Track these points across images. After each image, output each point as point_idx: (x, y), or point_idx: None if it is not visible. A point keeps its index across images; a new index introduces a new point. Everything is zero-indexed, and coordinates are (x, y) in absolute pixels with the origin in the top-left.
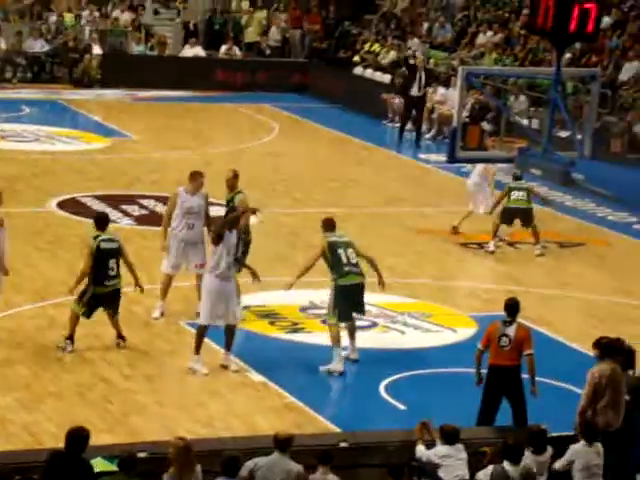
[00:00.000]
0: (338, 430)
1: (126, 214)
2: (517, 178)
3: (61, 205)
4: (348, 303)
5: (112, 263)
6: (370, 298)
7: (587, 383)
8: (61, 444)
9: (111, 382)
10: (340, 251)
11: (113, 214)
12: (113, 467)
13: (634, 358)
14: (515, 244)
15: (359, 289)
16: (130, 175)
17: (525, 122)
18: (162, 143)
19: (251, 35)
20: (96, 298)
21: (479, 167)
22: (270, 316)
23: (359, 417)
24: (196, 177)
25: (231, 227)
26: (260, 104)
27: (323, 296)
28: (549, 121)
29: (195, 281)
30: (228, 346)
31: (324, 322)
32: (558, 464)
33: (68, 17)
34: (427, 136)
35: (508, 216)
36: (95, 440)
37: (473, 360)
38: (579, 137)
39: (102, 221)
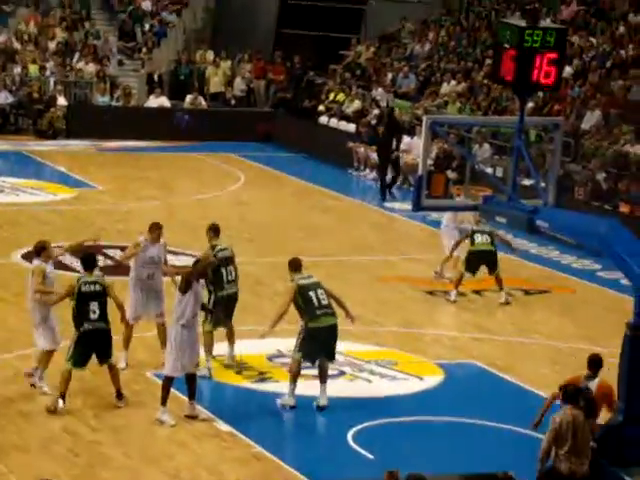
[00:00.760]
0: None
1: None
2: (479, 222)
3: (27, 257)
4: (317, 345)
5: (94, 305)
6: (337, 346)
7: (549, 429)
8: None
9: (77, 434)
10: (311, 293)
11: (78, 265)
12: None
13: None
14: (481, 291)
15: (332, 331)
16: (96, 225)
17: (489, 170)
18: (128, 193)
19: (216, 85)
20: (81, 341)
21: (448, 213)
22: (236, 365)
23: (327, 466)
24: (154, 229)
25: (199, 276)
26: (226, 153)
27: (291, 344)
28: (513, 169)
29: (156, 330)
30: (192, 395)
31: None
32: None
33: (32, 68)
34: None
35: (474, 261)
36: None
37: (449, 408)
38: (543, 185)
39: (88, 262)
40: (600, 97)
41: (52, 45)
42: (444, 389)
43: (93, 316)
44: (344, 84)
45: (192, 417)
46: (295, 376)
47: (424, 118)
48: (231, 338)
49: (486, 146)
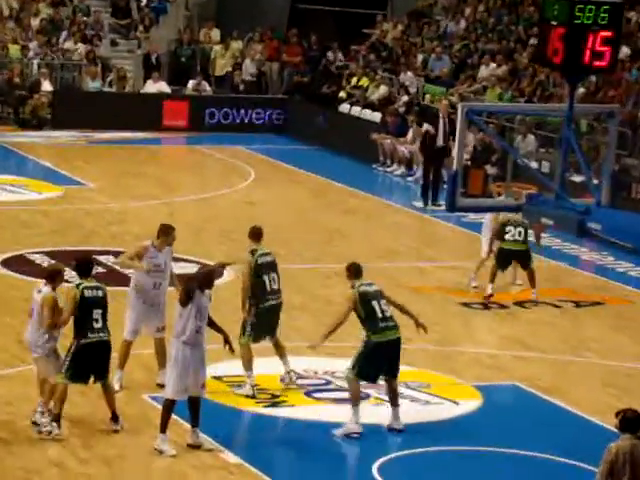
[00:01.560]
0: None
1: None
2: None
3: (7, 263)
4: (378, 361)
5: (97, 314)
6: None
7: (603, 460)
8: None
9: (64, 466)
10: (374, 303)
11: (66, 273)
12: None
13: None
14: (524, 303)
15: (396, 346)
16: (86, 228)
17: (534, 165)
18: (122, 191)
19: (222, 68)
20: (82, 353)
21: (488, 215)
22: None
23: None
24: (166, 231)
25: (203, 286)
26: (233, 146)
27: (307, 364)
28: (561, 163)
29: (154, 347)
30: (195, 421)
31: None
32: None
33: (13, 49)
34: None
35: (504, 258)
36: None
37: (488, 436)
38: (595, 182)
39: (84, 267)
40: None
41: (35, 22)
42: (482, 415)
43: (97, 325)
44: (368, 67)
45: (195, 446)
46: (357, 398)
47: (459, 106)
48: (281, 352)
49: (530, 137)
